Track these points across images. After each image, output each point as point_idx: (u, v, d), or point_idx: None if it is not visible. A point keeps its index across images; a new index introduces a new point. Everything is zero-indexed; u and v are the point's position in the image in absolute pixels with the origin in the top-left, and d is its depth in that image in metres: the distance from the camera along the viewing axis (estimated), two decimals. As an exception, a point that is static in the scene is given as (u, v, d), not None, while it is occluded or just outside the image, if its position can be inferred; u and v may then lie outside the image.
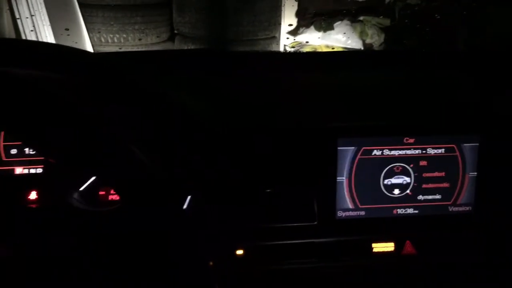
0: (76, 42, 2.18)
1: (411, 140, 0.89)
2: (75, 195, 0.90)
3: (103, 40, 2.60)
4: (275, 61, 1.13)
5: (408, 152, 0.89)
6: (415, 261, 0.91)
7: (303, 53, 2.15)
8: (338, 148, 0.88)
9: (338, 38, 2.95)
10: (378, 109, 0.93)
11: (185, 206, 0.88)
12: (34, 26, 2.21)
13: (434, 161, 0.90)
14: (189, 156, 0.87)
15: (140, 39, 2.61)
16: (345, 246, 0.90)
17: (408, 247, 0.91)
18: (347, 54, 1.49)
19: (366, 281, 0.92)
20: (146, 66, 0.95)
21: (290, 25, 2.76)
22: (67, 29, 2.13)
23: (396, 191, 0.91)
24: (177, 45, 2.76)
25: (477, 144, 0.90)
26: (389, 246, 0.91)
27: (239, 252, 0.87)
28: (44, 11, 2.28)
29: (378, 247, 0.91)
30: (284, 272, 0.89)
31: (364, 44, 2.98)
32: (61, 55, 0.56)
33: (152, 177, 0.68)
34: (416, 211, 0.92)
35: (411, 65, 1.06)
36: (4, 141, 0.92)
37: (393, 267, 0.92)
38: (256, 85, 0.96)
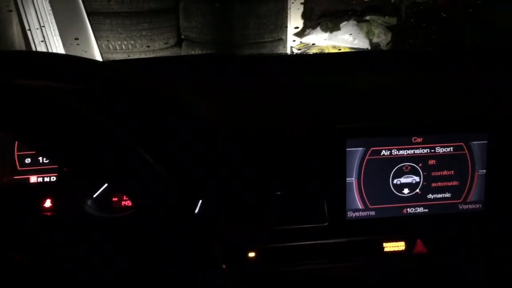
0: (85, 51, 2.21)
1: (419, 139, 0.89)
2: (89, 202, 0.92)
3: (111, 47, 2.63)
4: (282, 64, 1.14)
5: (417, 151, 0.90)
6: (426, 260, 0.91)
7: (310, 54, 2.15)
8: (347, 149, 0.88)
9: (345, 39, 2.96)
10: (385, 109, 0.93)
11: (196, 210, 0.89)
12: (44, 36, 2.25)
13: (443, 159, 0.90)
14: (201, 160, 0.89)
15: (148, 46, 2.64)
16: (356, 246, 0.91)
17: (419, 246, 0.91)
18: (353, 55, 1.49)
19: (378, 281, 0.93)
20: (155, 74, 0.96)
21: (296, 27, 2.77)
22: (76, 39, 2.16)
23: (406, 191, 0.91)
24: (184, 50, 2.78)
25: (486, 141, 0.90)
26: (400, 246, 0.91)
27: (251, 254, 0.88)
28: (53, 21, 2.31)
29: (389, 246, 0.91)
30: (295, 273, 0.90)
31: (371, 43, 2.98)
32: (70, 66, 0.58)
33: (165, 183, 0.70)
34: (426, 210, 0.92)
35: (418, 64, 1.07)
36: (18, 151, 0.94)
37: (405, 266, 0.92)
38: (264, 88, 0.97)
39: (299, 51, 2.92)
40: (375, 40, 2.95)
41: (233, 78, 1.00)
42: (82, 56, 0.62)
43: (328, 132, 0.88)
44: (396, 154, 0.89)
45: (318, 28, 3.01)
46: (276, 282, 0.91)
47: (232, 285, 0.88)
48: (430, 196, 0.91)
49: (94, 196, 0.92)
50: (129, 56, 2.53)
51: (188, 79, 0.97)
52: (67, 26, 2.36)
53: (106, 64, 0.63)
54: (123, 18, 2.59)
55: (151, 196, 0.64)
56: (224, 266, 0.60)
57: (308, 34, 3.03)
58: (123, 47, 2.64)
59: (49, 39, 2.23)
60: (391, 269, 0.92)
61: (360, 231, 0.91)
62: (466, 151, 0.90)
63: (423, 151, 0.90)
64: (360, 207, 0.91)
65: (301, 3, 2.79)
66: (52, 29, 2.29)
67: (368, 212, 0.91)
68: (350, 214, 0.91)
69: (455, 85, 0.98)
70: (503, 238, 0.92)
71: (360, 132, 0.89)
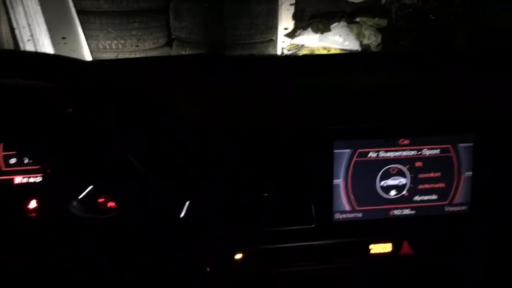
0: (73, 50, 2.19)
1: (406, 141, 0.90)
2: (74, 203, 0.91)
3: (101, 46, 2.62)
4: (271, 65, 1.14)
5: (404, 153, 0.90)
6: (412, 261, 0.91)
7: (299, 56, 2.16)
8: (334, 151, 0.89)
9: (336, 40, 2.96)
10: (373, 111, 0.94)
11: (183, 213, 0.89)
12: (31, 35, 2.23)
13: (430, 161, 0.91)
14: (188, 162, 0.88)
15: (137, 45, 2.63)
16: (343, 248, 0.91)
17: (406, 248, 0.91)
18: (342, 57, 1.50)
19: (365, 283, 0.93)
20: (141, 74, 0.96)
21: (286, 29, 2.77)
22: (64, 38, 2.15)
23: (393, 192, 0.91)
24: (174, 50, 2.78)
25: (472, 144, 0.90)
26: (386, 247, 0.91)
27: (238, 256, 0.88)
28: (41, 20, 2.29)
29: (376, 248, 0.91)
30: (282, 275, 0.90)
31: (361, 45, 2.99)
32: (51, 64, 0.57)
33: (150, 185, 0.69)
34: (413, 212, 0.92)
35: (406, 66, 1.07)
36: (3, 151, 0.93)
37: (391, 268, 0.92)
38: (252, 89, 0.97)
39: (289, 52, 2.92)
40: (365, 41, 2.96)
41: (221, 79, 1.00)
42: (69, 55, 0.62)
43: (315, 134, 0.88)
44: (383, 156, 0.90)
45: (309, 29, 3.02)
46: (263, 284, 0.91)
47: (219, 287, 0.88)
48: (416, 198, 0.92)
49: (80, 197, 0.91)
50: (117, 56, 2.51)
51: (177, 79, 0.97)
52: (56, 25, 2.35)
53: (90, 64, 0.62)
54: (113, 17, 2.57)
55: (135, 199, 0.64)
56: (208, 269, 0.60)
57: (299, 35, 3.03)
58: (113, 46, 2.63)
59: (38, 38, 2.21)
60: (378, 271, 0.92)
61: (347, 232, 0.91)
62: (453, 153, 0.91)
63: (410, 153, 0.90)
64: (347, 209, 0.91)
65: (291, 4, 2.80)
66: (41, 28, 2.28)
67: (355, 214, 0.91)
68: (337, 215, 0.91)
69: (442, 87, 0.98)
70: (489, 239, 0.93)
71: (347, 134, 0.89)
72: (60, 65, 0.53)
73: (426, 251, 0.92)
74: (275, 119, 0.92)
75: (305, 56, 2.01)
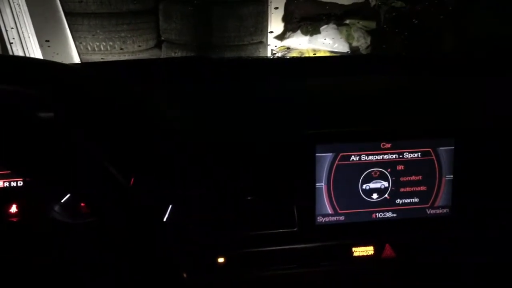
0: (57, 53, 2.18)
1: (388, 145, 0.90)
2: (56, 208, 0.90)
3: (89, 48, 2.60)
4: (257, 67, 1.14)
5: (385, 157, 0.91)
6: (395, 264, 0.92)
7: (287, 58, 2.16)
8: (316, 154, 0.89)
9: (325, 42, 2.98)
10: (355, 115, 0.94)
11: (166, 217, 0.89)
12: (19, 36, 2.21)
13: (411, 165, 0.91)
14: (168, 166, 0.88)
15: (126, 47, 2.62)
16: (326, 251, 0.91)
17: (388, 251, 0.92)
18: (328, 59, 1.50)
19: (348, 286, 0.93)
20: (129, 77, 0.96)
21: (271, 32, 2.78)
22: (47, 41, 2.13)
23: (375, 196, 0.92)
24: (164, 52, 2.77)
25: (453, 147, 0.91)
26: (369, 250, 0.92)
27: (221, 260, 0.88)
28: (29, 21, 2.27)
29: (358, 251, 0.92)
30: (265, 278, 0.90)
31: (350, 47, 3.00)
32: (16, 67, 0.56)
33: (130, 191, 0.69)
34: (395, 215, 0.93)
35: (389, 70, 1.08)
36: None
37: (374, 271, 0.93)
38: (236, 92, 0.97)
39: (279, 54, 2.93)
40: (354, 44, 2.97)
41: (206, 82, 0.99)
42: (54, 58, 0.61)
43: (298, 137, 0.89)
44: (365, 160, 0.90)
45: (299, 31, 3.03)
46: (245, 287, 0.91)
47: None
48: (398, 201, 0.92)
49: (62, 201, 0.91)
50: (102, 59, 2.50)
51: (159, 83, 0.97)
52: (44, 27, 2.33)
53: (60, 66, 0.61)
54: (102, 19, 2.56)
55: (114, 205, 0.63)
56: (185, 275, 0.60)
57: (289, 37, 3.04)
58: (102, 48, 2.61)
59: (24, 39, 2.20)
60: (360, 274, 0.93)
61: (330, 236, 0.91)
62: (434, 157, 0.91)
63: (392, 156, 0.91)
64: (330, 212, 0.91)
65: (275, 8, 2.80)
66: (28, 29, 2.26)
67: (338, 217, 0.92)
68: (319, 219, 0.91)
69: (425, 92, 0.99)
70: (470, 242, 0.94)
71: (329, 137, 0.89)
72: (25, 68, 0.53)
73: (408, 254, 0.92)
74: (258, 123, 0.92)
75: (292, 58, 2.01)
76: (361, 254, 0.92)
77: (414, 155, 0.91)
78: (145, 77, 1.00)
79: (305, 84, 0.99)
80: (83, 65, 1.51)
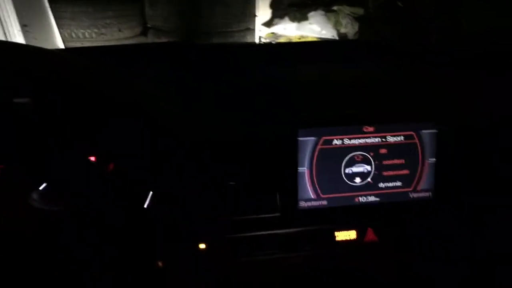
0: (36, 39, 2.14)
1: (371, 129, 0.90)
2: (34, 195, 0.88)
3: (74, 35, 2.56)
4: (241, 54, 1.13)
5: (368, 140, 0.90)
6: (377, 248, 0.92)
7: (273, 44, 2.15)
8: (298, 138, 0.88)
9: (313, 28, 2.95)
10: (337, 99, 0.93)
11: (146, 204, 0.88)
12: (1, 22, 2.17)
13: (394, 148, 0.91)
14: (150, 152, 0.87)
15: (111, 35, 2.58)
16: (308, 235, 0.91)
17: (370, 235, 0.92)
18: (307, 45, 1.49)
19: (330, 270, 0.93)
20: (112, 63, 0.94)
21: (256, 15, 2.75)
22: (25, 25, 2.08)
23: (357, 180, 0.91)
24: (150, 39, 2.73)
25: (436, 131, 0.91)
26: (351, 234, 0.92)
27: (202, 246, 0.87)
28: (11, 7, 2.23)
29: (341, 235, 0.91)
30: (248, 264, 0.90)
31: (338, 33, 2.98)
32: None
33: (109, 177, 0.68)
34: (378, 199, 0.93)
35: (373, 56, 1.07)
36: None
37: (356, 255, 0.93)
38: (219, 78, 0.96)
39: (267, 40, 2.90)
40: (342, 30, 2.95)
41: (190, 68, 0.98)
42: (35, 43, 0.59)
43: (279, 122, 0.88)
44: (348, 144, 0.90)
45: (286, 17, 3.00)
46: (228, 273, 0.90)
47: (183, 277, 0.87)
48: (381, 184, 0.92)
49: (40, 188, 0.89)
50: (82, 44, 2.46)
51: (143, 70, 0.95)
52: (27, 13, 2.28)
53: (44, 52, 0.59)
54: (86, 6, 2.51)
55: (93, 192, 0.62)
56: (160, 264, 0.59)
57: (276, 23, 3.01)
58: (86, 35, 2.57)
59: (7, 25, 2.15)
60: (343, 258, 0.93)
61: (312, 220, 0.91)
62: (417, 140, 0.91)
63: (374, 140, 0.90)
64: (312, 197, 0.91)
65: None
66: (10, 15, 2.21)
67: (320, 202, 0.91)
68: (302, 203, 0.91)
69: (408, 78, 0.98)
70: (452, 226, 0.94)
71: (311, 121, 0.88)
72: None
73: (390, 238, 0.92)
74: (240, 108, 0.91)
75: (278, 44, 2.00)
76: (343, 238, 0.92)
77: (397, 139, 0.90)
78: (128, 63, 0.98)
79: (288, 70, 0.98)
80: (64, 50, 1.48)
